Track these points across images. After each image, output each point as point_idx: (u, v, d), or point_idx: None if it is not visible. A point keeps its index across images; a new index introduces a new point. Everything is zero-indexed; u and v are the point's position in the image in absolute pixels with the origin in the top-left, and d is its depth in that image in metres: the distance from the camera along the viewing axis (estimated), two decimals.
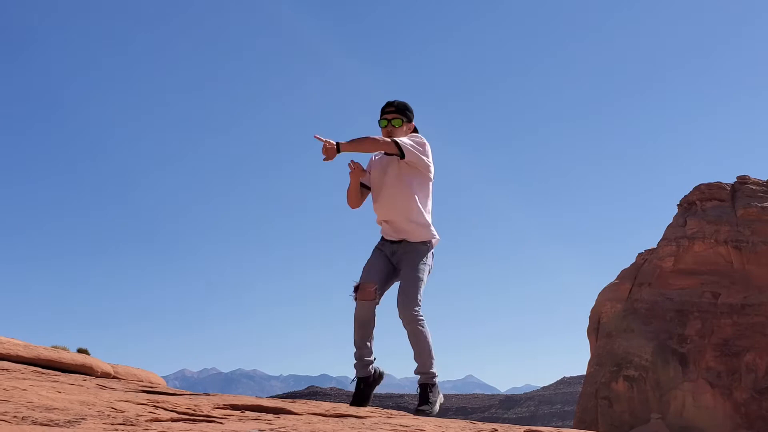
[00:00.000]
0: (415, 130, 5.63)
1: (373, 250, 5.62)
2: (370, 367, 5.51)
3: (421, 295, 5.36)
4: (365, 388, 5.47)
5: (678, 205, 60.43)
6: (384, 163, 5.55)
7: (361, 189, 5.64)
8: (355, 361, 5.48)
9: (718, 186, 58.96)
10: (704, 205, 57.72)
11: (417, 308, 5.30)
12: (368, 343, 5.45)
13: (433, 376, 5.43)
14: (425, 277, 5.42)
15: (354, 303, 5.37)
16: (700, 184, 59.58)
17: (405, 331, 5.36)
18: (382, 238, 5.63)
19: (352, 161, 5.55)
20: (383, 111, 5.54)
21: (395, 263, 5.52)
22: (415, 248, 5.47)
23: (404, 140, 5.38)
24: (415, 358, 5.42)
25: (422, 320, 5.33)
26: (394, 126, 5.47)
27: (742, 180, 59.28)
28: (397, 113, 5.50)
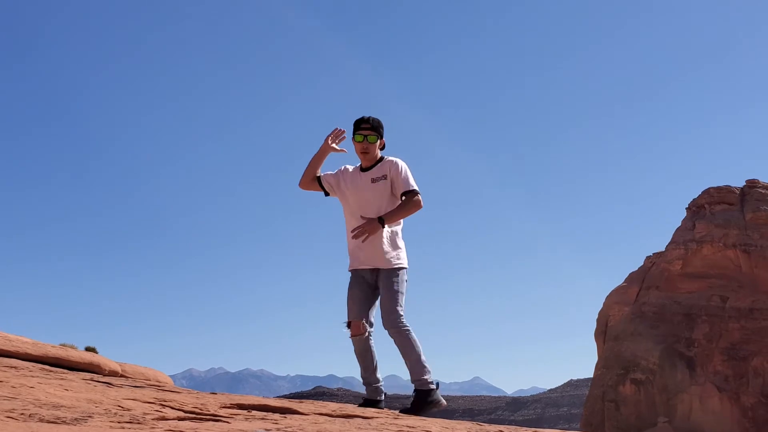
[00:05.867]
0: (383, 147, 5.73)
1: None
2: (379, 388, 5.66)
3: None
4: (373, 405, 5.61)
5: (687, 208, 60.20)
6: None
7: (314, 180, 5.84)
8: (365, 387, 5.67)
9: (727, 190, 58.72)
10: (713, 209, 57.48)
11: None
12: (374, 374, 5.62)
13: (428, 382, 5.43)
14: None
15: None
16: (709, 188, 59.34)
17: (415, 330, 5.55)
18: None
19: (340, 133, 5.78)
20: (358, 126, 5.60)
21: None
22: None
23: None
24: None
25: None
26: (369, 142, 5.57)
27: (752, 184, 59.02)
28: (372, 130, 5.57)
